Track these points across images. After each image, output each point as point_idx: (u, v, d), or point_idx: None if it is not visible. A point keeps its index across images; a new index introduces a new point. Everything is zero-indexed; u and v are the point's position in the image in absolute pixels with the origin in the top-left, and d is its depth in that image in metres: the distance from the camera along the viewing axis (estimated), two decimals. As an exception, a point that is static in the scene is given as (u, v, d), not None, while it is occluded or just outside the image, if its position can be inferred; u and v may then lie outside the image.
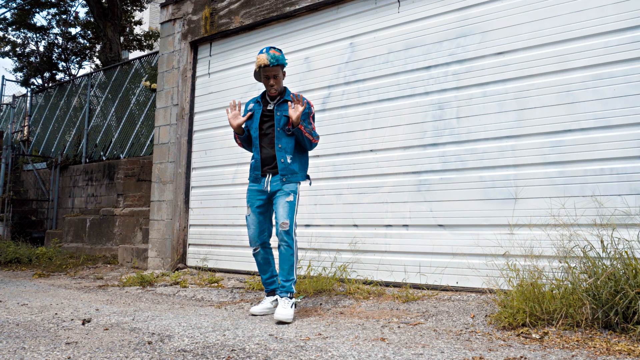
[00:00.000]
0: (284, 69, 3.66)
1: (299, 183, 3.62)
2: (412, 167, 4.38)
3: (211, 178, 5.90)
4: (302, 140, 3.58)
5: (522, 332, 2.77)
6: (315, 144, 3.69)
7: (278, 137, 3.58)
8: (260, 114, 3.65)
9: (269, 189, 3.58)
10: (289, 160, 3.56)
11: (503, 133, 3.97)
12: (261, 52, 3.58)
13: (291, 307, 3.37)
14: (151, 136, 9.00)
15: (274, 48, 3.62)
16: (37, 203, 11.14)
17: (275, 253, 3.68)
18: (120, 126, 9.95)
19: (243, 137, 3.74)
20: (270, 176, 3.59)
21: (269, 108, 3.64)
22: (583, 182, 3.60)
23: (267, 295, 3.70)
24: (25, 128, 12.77)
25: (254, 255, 3.70)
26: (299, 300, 3.80)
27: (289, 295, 3.43)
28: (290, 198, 3.50)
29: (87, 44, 16.42)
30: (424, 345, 2.63)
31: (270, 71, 3.55)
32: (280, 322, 3.28)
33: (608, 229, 3.15)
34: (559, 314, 2.81)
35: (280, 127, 3.58)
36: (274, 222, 3.64)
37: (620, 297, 2.64)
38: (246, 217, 3.69)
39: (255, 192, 3.65)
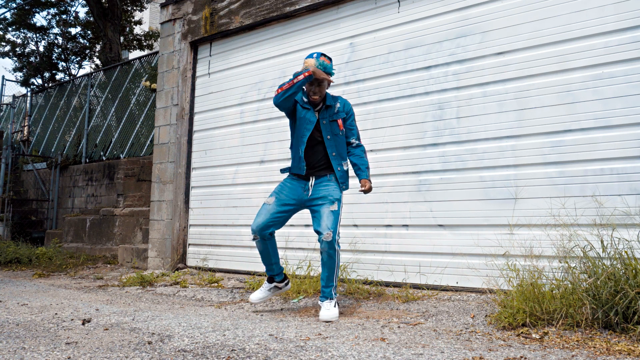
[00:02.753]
0: (331, 78, 3.60)
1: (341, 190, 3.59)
2: (412, 167, 4.38)
3: (211, 178, 5.90)
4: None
5: (522, 332, 2.77)
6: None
7: (329, 144, 3.54)
8: (315, 119, 3.57)
9: (310, 193, 3.52)
10: (345, 168, 3.58)
11: (503, 133, 3.97)
12: (310, 56, 3.51)
13: (334, 306, 3.41)
14: (151, 136, 9.00)
15: (324, 55, 3.53)
16: (37, 203, 11.14)
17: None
18: (120, 126, 9.95)
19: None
20: (314, 179, 3.54)
21: (315, 114, 3.58)
22: (583, 182, 3.60)
23: (267, 282, 3.76)
24: (25, 128, 12.77)
25: (253, 240, 3.61)
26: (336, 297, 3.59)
27: (329, 299, 3.45)
28: (335, 207, 3.45)
29: (87, 44, 16.42)
30: (424, 345, 2.63)
31: (317, 80, 3.47)
32: (326, 322, 3.34)
33: (608, 229, 3.15)
34: (559, 314, 2.81)
35: (329, 134, 3.54)
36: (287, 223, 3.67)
37: (620, 297, 2.64)
38: (263, 204, 3.59)
39: (290, 189, 3.57)
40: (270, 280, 3.74)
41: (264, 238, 3.56)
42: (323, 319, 3.35)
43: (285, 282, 3.78)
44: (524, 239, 3.69)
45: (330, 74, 3.52)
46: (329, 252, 3.38)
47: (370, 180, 3.59)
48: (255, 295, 3.74)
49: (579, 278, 2.89)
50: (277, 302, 4.09)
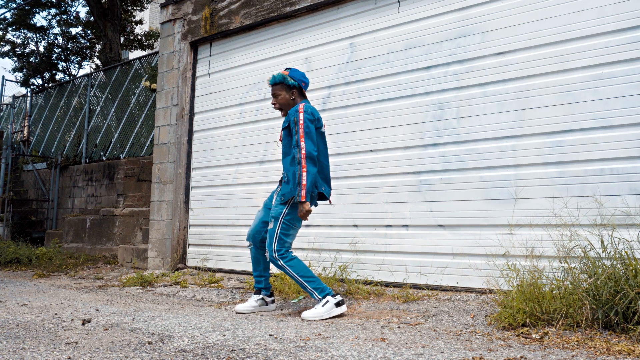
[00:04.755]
0: (292, 88, 3.62)
1: (287, 202, 3.48)
2: (412, 167, 4.38)
3: (211, 178, 5.90)
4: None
5: (522, 332, 2.77)
6: (306, 160, 3.41)
7: (283, 155, 3.62)
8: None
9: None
10: (285, 178, 3.54)
11: (503, 133, 3.96)
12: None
13: (322, 306, 3.41)
14: (151, 136, 9.00)
15: (289, 69, 3.68)
16: (37, 203, 11.14)
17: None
18: (120, 126, 9.95)
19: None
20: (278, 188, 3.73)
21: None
22: (583, 182, 3.60)
23: (254, 294, 3.79)
24: (25, 128, 12.77)
25: (248, 247, 3.81)
26: (333, 297, 3.49)
27: (317, 300, 3.46)
28: (271, 225, 3.52)
29: (87, 44, 16.42)
30: (424, 345, 2.63)
31: (272, 89, 3.69)
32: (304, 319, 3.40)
33: (608, 229, 3.15)
34: (559, 314, 2.81)
35: (283, 146, 3.63)
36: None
37: (620, 297, 2.64)
38: (258, 210, 3.82)
39: (272, 193, 3.78)
40: (257, 292, 3.78)
41: (255, 245, 3.72)
42: (302, 317, 3.42)
43: (272, 299, 3.82)
44: (524, 239, 3.69)
45: (282, 82, 3.60)
46: (276, 266, 3.51)
47: (300, 199, 3.33)
48: (241, 307, 3.74)
49: (579, 278, 2.88)
50: (276, 302, 4.09)
